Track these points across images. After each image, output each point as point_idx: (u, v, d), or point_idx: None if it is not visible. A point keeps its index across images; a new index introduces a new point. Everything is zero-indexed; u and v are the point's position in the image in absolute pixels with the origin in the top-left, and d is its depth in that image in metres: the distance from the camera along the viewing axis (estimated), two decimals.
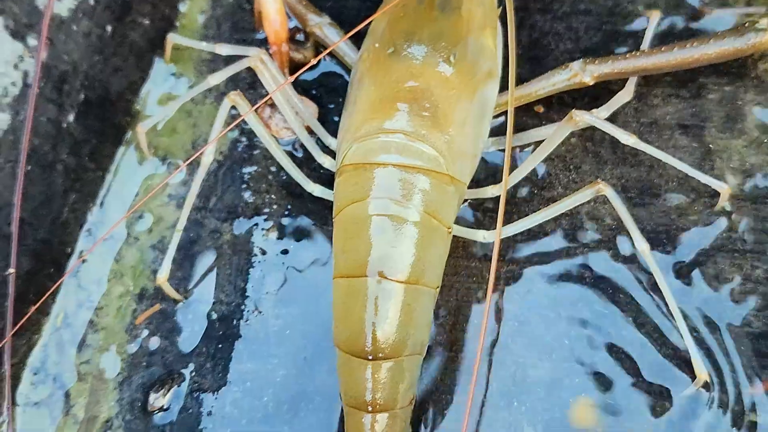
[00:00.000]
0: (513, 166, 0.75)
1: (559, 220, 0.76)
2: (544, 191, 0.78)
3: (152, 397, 0.74)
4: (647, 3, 0.86)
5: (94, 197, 0.84)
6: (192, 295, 0.78)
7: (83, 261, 0.80)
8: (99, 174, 0.84)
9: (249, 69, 0.79)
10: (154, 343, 0.77)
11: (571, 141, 0.79)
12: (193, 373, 0.75)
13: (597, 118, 0.70)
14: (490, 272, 0.61)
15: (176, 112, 0.85)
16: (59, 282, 0.78)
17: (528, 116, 0.82)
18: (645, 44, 0.82)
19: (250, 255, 0.79)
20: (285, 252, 0.79)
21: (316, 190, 0.77)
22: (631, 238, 0.69)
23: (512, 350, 0.72)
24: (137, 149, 0.85)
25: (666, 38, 0.83)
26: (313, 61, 0.75)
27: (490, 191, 0.75)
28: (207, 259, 0.80)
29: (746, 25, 0.76)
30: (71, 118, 0.81)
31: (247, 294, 0.77)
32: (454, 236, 0.72)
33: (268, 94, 0.78)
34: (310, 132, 0.81)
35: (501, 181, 0.75)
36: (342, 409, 0.68)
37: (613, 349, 0.71)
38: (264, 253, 0.79)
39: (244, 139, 0.85)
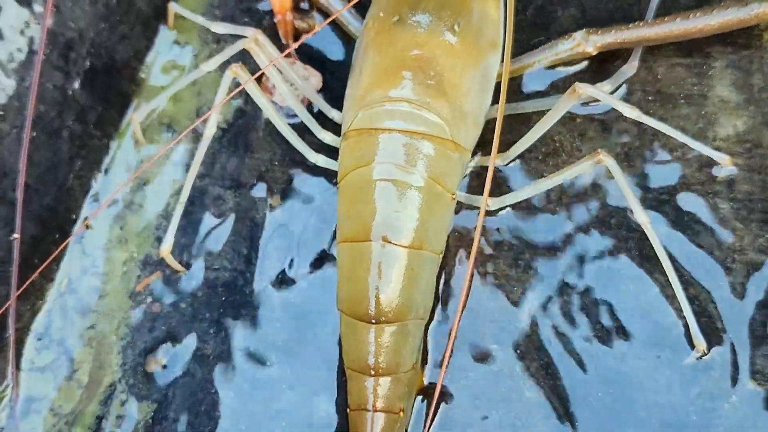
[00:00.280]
0: (516, 138, 0.74)
1: (562, 186, 0.76)
2: (549, 158, 0.78)
3: (150, 358, 0.75)
4: None
5: (99, 164, 0.84)
6: (196, 262, 0.79)
7: (87, 227, 0.80)
8: (104, 141, 0.85)
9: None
10: (158, 308, 0.77)
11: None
12: (197, 339, 0.75)
13: (600, 90, 0.70)
14: (474, 239, 0.61)
15: None
16: (62, 246, 0.79)
17: None
18: (649, 14, 0.81)
19: (253, 222, 0.79)
20: (288, 219, 0.79)
21: (319, 160, 0.77)
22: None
23: (514, 316, 0.73)
24: (132, 137, 0.85)
25: (672, 8, 0.82)
26: (316, 29, 0.75)
27: (488, 160, 0.75)
28: (210, 226, 0.80)
29: None
30: (77, 85, 0.81)
31: (250, 260, 0.78)
32: (458, 202, 0.72)
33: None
34: (310, 107, 0.81)
35: (508, 151, 0.75)
36: (345, 373, 0.68)
37: (611, 318, 0.71)
38: (267, 220, 0.79)
39: (248, 107, 0.85)
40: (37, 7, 0.77)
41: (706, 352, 0.69)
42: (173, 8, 0.89)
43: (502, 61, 0.76)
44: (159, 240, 0.80)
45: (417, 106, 0.69)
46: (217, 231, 0.80)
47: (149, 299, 0.78)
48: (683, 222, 0.74)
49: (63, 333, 0.77)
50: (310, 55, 0.86)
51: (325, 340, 0.74)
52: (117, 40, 0.85)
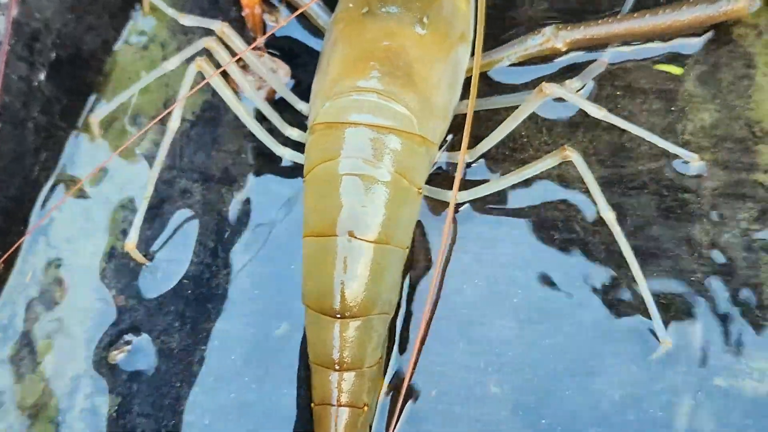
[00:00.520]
0: (484, 134, 0.74)
1: (530, 181, 0.76)
2: (516, 153, 0.78)
3: (114, 351, 0.74)
4: None
5: (64, 156, 0.83)
6: (161, 254, 0.78)
7: (48, 218, 0.79)
8: (70, 133, 0.84)
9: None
10: (122, 301, 0.76)
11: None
12: (162, 332, 0.75)
13: (567, 90, 0.70)
14: (443, 233, 0.61)
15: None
16: (23, 239, 0.78)
17: None
18: (624, 9, 0.81)
19: (220, 215, 0.79)
20: (255, 213, 0.79)
21: (286, 153, 0.77)
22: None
23: (479, 309, 0.73)
24: (89, 133, 0.84)
25: (646, 4, 0.82)
26: (282, 23, 0.75)
27: (455, 156, 0.75)
28: (177, 219, 0.79)
29: None
30: (42, 76, 0.80)
31: (216, 254, 0.77)
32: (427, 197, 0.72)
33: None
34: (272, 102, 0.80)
35: (475, 146, 0.74)
36: (310, 367, 0.67)
37: (581, 312, 0.72)
38: (234, 213, 0.79)
39: (216, 100, 0.84)
40: None
41: (671, 346, 0.69)
42: None
43: (473, 55, 0.76)
44: (124, 233, 0.79)
45: (385, 97, 0.68)
46: (183, 224, 0.79)
47: (113, 292, 0.77)
48: (651, 216, 0.74)
49: (27, 325, 0.76)
50: (280, 48, 0.85)
51: (290, 335, 0.73)
52: (84, 31, 0.84)
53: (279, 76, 0.81)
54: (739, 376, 0.69)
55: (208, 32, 0.79)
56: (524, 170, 0.71)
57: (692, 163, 0.75)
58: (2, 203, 0.77)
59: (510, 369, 0.71)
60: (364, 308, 0.65)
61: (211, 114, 0.84)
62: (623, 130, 0.74)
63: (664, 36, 0.79)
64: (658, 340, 0.69)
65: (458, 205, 0.76)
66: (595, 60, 0.79)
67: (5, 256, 0.75)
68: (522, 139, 0.79)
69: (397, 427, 0.69)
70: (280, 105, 0.80)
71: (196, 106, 0.84)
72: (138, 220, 0.76)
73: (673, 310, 0.71)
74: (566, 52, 0.79)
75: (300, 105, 0.78)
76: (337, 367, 0.65)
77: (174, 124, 0.75)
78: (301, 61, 0.84)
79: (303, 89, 0.79)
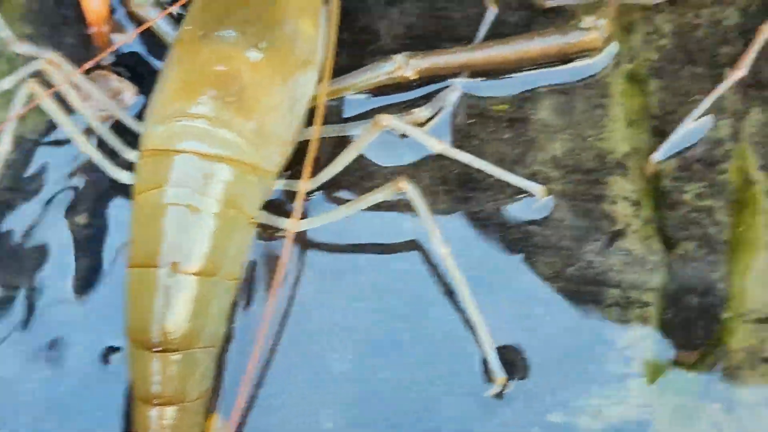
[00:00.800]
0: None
1: (375, 209, 0.74)
2: (364, 180, 0.77)
3: None
4: None
5: None
6: None
7: None
8: None
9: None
10: None
11: None
12: None
13: (405, 123, 0.70)
14: (280, 263, 0.60)
15: None
16: None
17: None
18: (477, 38, 0.80)
19: (57, 238, 0.76)
20: (92, 237, 0.76)
21: (123, 177, 0.74)
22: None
23: (319, 341, 0.71)
24: None
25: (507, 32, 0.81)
26: (122, 42, 0.73)
27: (296, 184, 0.73)
28: (15, 241, 0.76)
29: (571, 23, 0.76)
30: None
31: (46, 278, 0.75)
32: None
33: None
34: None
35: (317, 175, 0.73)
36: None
37: (420, 346, 0.71)
38: (71, 237, 0.76)
39: None
40: None
41: (506, 383, 0.69)
42: None
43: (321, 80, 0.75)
44: None
45: (215, 124, 0.66)
46: (22, 246, 0.76)
47: None
48: (495, 248, 0.73)
49: None
50: (132, 68, 0.83)
51: (117, 368, 0.71)
52: None
53: (125, 96, 0.79)
54: (575, 412, 0.68)
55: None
56: (360, 201, 0.70)
57: (538, 195, 0.74)
58: None
59: (346, 403, 0.69)
60: (185, 342, 0.64)
61: (53, 135, 0.81)
62: None
63: (520, 66, 0.78)
64: (494, 377, 0.68)
65: (299, 234, 0.74)
66: (447, 87, 0.78)
67: None
68: (371, 167, 0.77)
69: None
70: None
71: (41, 125, 0.81)
72: None
73: (511, 347, 0.70)
74: (419, 81, 0.77)
75: (141, 127, 0.76)
76: (156, 402, 0.64)
77: (3, 148, 0.73)
78: (153, 81, 0.82)
79: None
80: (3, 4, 0.85)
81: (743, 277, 0.72)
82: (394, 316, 0.72)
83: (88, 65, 0.71)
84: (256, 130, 0.68)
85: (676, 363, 0.70)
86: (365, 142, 0.70)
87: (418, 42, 0.81)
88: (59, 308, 0.74)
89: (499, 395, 0.69)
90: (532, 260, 0.73)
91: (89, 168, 0.78)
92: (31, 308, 0.74)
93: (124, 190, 0.74)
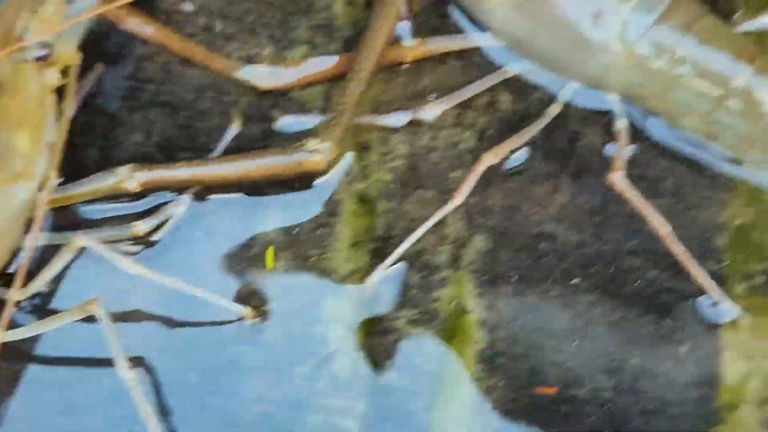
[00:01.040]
0: None
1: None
2: None
3: None
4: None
5: None
6: None
7: None
8: None
9: None
10: None
11: None
12: None
13: (102, 243, 0.71)
14: None
15: None
16: None
17: None
18: (216, 152, 0.81)
19: None
20: None
21: None
22: None
23: None
24: None
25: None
26: None
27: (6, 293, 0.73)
28: None
29: (296, 144, 0.76)
30: None
31: None
32: None
33: None
34: None
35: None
36: None
37: None
38: None
39: None
40: None
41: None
42: None
43: None
44: None
45: None
46: None
47: None
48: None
49: None
50: None
51: None
52: None
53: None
54: None
55: None
56: (53, 320, 0.70)
57: (243, 315, 0.75)
58: None
59: None
60: None
61: None
62: None
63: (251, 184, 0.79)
64: None
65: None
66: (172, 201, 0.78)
67: None
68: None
69: None
70: None
71: None
72: None
73: None
74: (143, 194, 0.78)
75: None
76: None
77: None
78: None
79: None
80: None
81: (444, 411, 0.73)
82: None
83: None
84: None
85: None
86: (63, 261, 0.71)
87: (158, 150, 0.81)
88: None
89: None
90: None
91: None
92: None
93: None
